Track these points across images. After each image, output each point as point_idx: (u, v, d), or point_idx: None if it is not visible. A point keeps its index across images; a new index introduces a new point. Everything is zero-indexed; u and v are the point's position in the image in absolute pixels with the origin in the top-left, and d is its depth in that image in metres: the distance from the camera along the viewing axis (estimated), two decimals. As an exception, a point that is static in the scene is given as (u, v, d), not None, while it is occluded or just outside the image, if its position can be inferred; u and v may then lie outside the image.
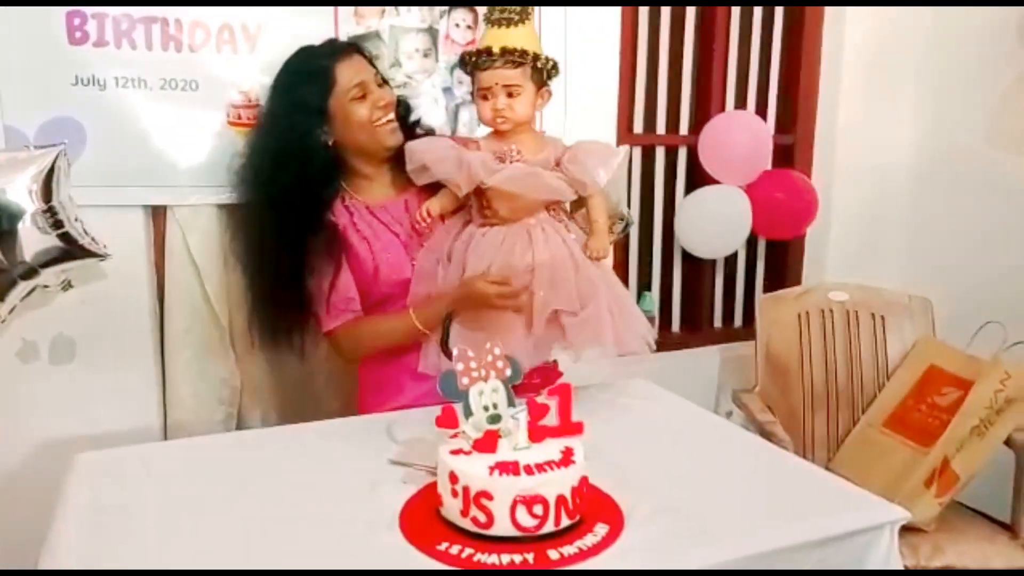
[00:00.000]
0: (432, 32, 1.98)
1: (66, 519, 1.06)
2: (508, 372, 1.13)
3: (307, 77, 1.49)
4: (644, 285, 2.57)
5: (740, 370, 2.43)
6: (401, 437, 1.33)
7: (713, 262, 2.59)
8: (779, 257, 2.69)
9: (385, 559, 0.95)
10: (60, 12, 1.65)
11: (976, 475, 1.80)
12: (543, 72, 1.43)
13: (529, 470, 0.98)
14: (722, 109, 2.51)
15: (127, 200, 1.77)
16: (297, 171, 1.45)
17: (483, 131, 1.57)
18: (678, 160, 2.53)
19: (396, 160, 1.54)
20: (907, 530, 1.73)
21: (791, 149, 2.61)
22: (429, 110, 2.00)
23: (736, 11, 2.50)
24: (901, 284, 2.39)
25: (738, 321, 2.69)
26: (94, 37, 1.68)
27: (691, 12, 2.46)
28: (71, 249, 1.63)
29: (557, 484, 0.98)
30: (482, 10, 1.95)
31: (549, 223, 1.44)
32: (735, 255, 2.63)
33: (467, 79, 1.99)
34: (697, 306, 2.62)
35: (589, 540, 0.99)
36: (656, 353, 2.45)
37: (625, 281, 2.51)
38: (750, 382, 2.16)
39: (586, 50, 2.16)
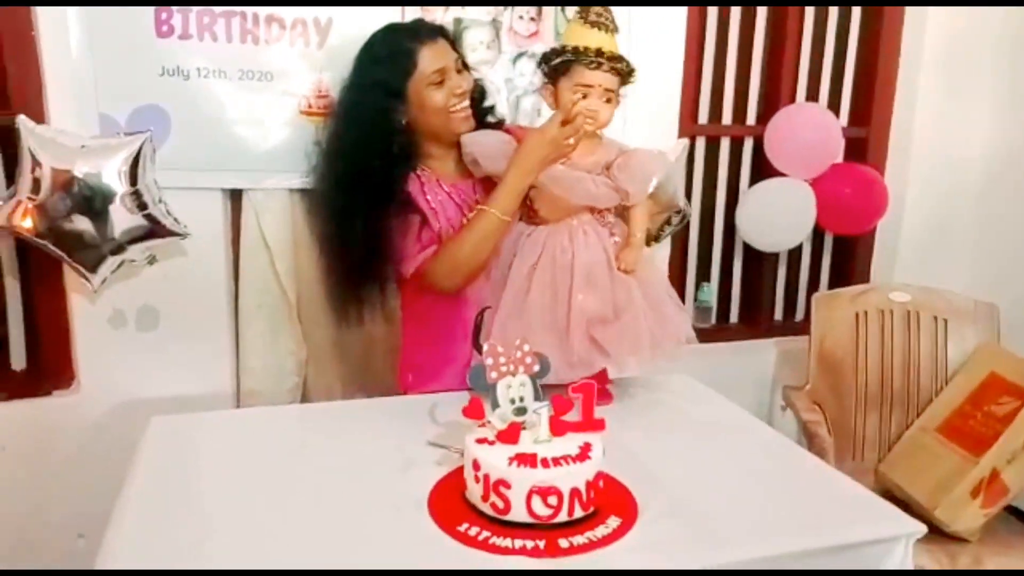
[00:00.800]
0: (495, 24, 2.04)
1: (137, 476, 1.19)
2: (536, 368, 1.19)
3: (389, 57, 1.49)
4: (703, 276, 2.57)
5: (797, 365, 2.42)
6: (442, 419, 1.41)
7: (776, 255, 2.57)
8: (846, 253, 2.64)
9: (410, 536, 1.03)
10: (149, 7, 1.78)
11: None
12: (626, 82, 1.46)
13: (546, 463, 1.04)
14: (792, 100, 2.47)
15: (206, 183, 1.91)
16: (372, 147, 1.47)
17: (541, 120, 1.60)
18: (743, 151, 2.50)
19: None
20: (949, 539, 1.74)
21: (864, 143, 2.55)
22: (491, 100, 2.07)
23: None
24: (970, 287, 2.32)
25: (799, 315, 2.67)
26: (179, 30, 1.81)
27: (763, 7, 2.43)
28: (155, 228, 1.78)
29: (572, 478, 1.04)
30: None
31: (591, 225, 1.46)
32: (800, 248, 2.60)
33: (528, 71, 2.06)
34: (757, 299, 2.60)
35: (600, 532, 1.05)
36: (712, 344, 2.52)
37: (684, 271, 2.53)
38: (804, 378, 2.16)
39: (651, 37, 2.17)
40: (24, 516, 1.97)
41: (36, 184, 1.67)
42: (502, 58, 2.06)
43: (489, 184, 1.50)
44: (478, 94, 1.58)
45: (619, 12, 2.04)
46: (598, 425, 1.14)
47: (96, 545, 1.04)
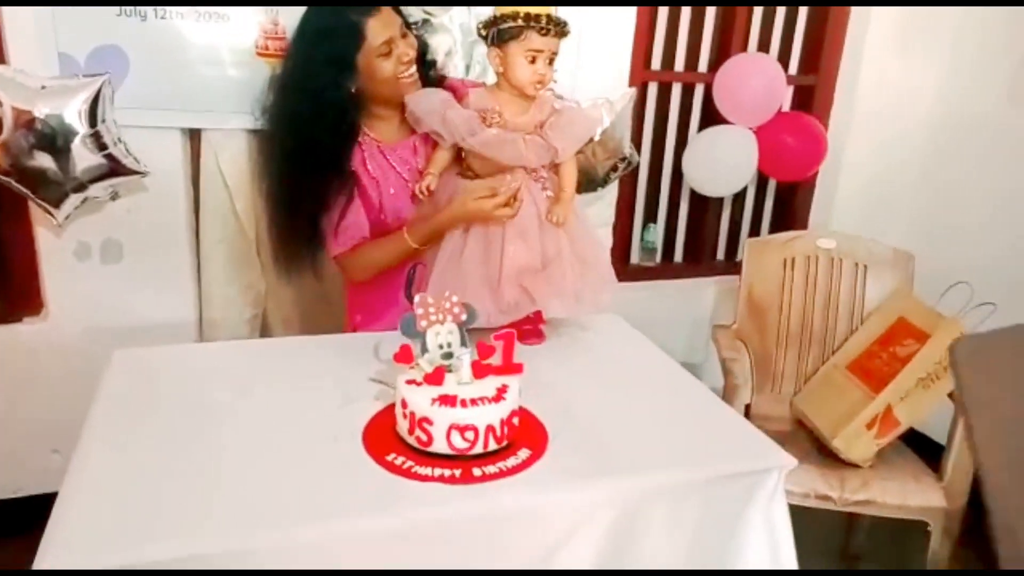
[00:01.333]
0: (452, -30, 2.07)
1: (98, 409, 1.32)
2: (464, 317, 1.33)
3: (337, 32, 1.51)
4: (650, 217, 2.70)
5: (734, 303, 2.58)
6: (384, 357, 1.55)
7: (721, 199, 2.69)
8: (788, 199, 2.77)
9: (343, 464, 1.18)
10: (105, -53, 1.81)
11: (921, 423, 1.96)
12: None
13: (464, 404, 1.18)
14: (744, 47, 2.55)
15: (165, 122, 1.98)
16: (321, 118, 1.52)
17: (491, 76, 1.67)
18: (694, 98, 2.59)
19: None
20: (846, 465, 1.94)
21: (812, 91, 2.65)
22: (445, 45, 2.13)
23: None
24: (902, 235, 2.47)
25: (740, 256, 2.81)
26: (135, -29, 1.84)
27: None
28: (115, 167, 1.86)
29: (487, 416, 1.19)
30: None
31: (525, 180, 1.56)
32: (744, 193, 2.72)
33: (483, 16, 2.11)
34: (701, 240, 2.74)
35: (511, 462, 1.20)
36: (657, 281, 2.66)
37: (631, 212, 2.65)
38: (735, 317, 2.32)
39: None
40: (2, 434, 2.11)
41: (-1, 123, 1.74)
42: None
43: (428, 140, 1.60)
44: (420, 51, 1.62)
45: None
46: (516, 369, 1.28)
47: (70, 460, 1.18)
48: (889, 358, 2.03)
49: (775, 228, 2.79)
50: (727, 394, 2.07)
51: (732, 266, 2.76)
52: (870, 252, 2.24)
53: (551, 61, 1.50)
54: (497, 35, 1.48)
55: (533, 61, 1.47)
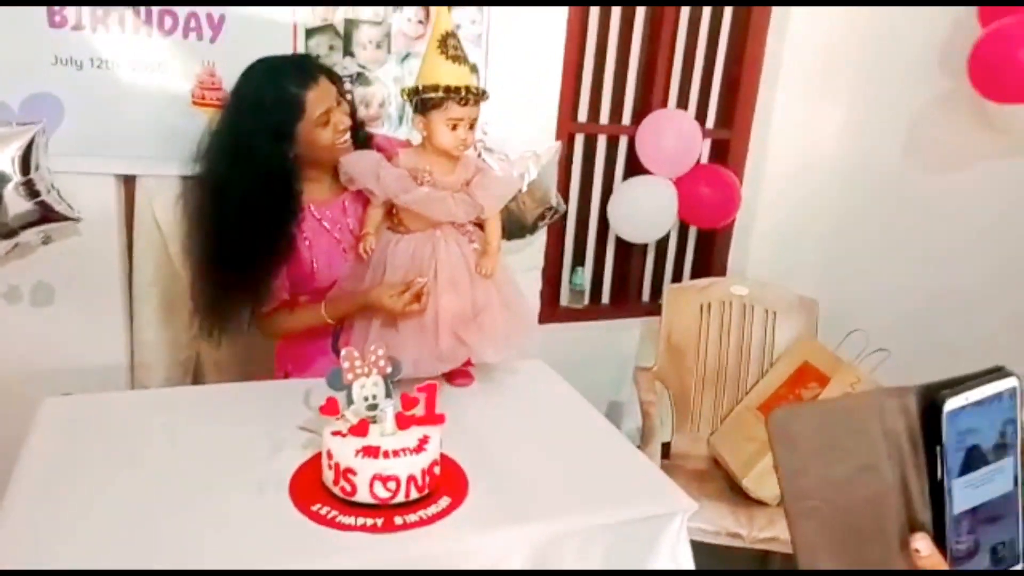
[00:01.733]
0: (384, 25, 2.16)
1: (26, 459, 1.34)
2: (389, 369, 1.40)
3: (277, 104, 1.57)
4: (578, 261, 2.82)
5: (656, 343, 2.71)
6: (314, 403, 1.60)
7: (645, 245, 2.83)
8: (708, 244, 2.92)
9: (268, 514, 1.23)
10: (41, -3, 1.84)
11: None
12: None
13: (387, 455, 1.25)
14: (664, 102, 2.70)
15: (100, 168, 2.00)
16: (262, 186, 1.57)
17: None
18: (618, 149, 2.73)
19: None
20: (754, 504, 2.06)
21: (727, 144, 2.81)
22: (379, 96, 2.22)
23: (686, 10, 2.66)
24: (811, 281, 2.65)
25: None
26: (72, 21, 1.87)
27: (640, 6, 2.62)
28: (48, 214, 1.88)
29: (409, 467, 1.26)
30: (430, 17, 2.15)
31: (452, 235, 1.65)
32: (667, 239, 2.87)
33: (415, 71, 2.21)
34: (626, 283, 2.87)
35: (432, 510, 1.27)
36: (585, 322, 2.77)
37: (560, 256, 2.76)
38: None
39: (532, 40, 2.35)
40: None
41: (-73, 170, 1.75)
42: (391, 58, 2.20)
43: (359, 195, 1.68)
44: (352, 115, 1.70)
45: (503, 14, 2.26)
46: (438, 419, 1.36)
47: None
48: (795, 400, 2.18)
49: (696, 271, 2.94)
50: (645, 435, 2.18)
51: (656, 307, 2.88)
52: (779, 298, 2.40)
53: (472, 126, 1.60)
54: (420, 104, 1.58)
55: (455, 128, 1.58)
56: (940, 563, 0.61)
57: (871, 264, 2.63)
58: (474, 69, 2.19)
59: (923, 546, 0.61)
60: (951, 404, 0.59)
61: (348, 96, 1.72)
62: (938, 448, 0.60)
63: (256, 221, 1.57)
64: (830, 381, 2.09)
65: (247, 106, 1.59)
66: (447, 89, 1.55)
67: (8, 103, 1.87)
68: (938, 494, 0.61)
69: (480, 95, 1.58)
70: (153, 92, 1.98)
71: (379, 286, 1.60)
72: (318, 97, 1.58)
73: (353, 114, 1.70)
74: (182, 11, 1.95)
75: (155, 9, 1.92)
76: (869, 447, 0.60)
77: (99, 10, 1.88)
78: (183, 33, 1.97)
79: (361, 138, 1.73)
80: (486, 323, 1.64)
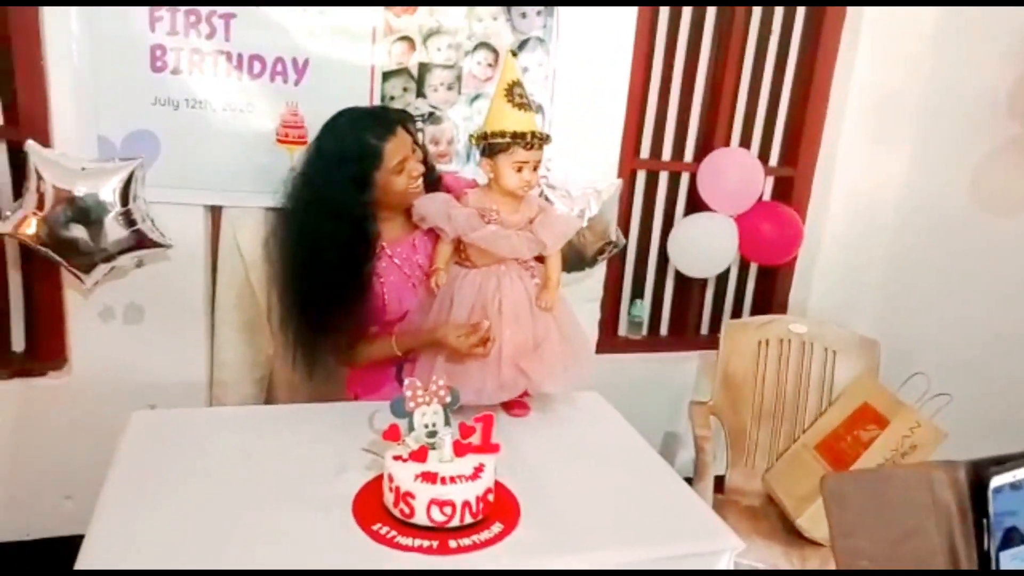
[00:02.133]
0: (456, 69, 2.28)
1: (116, 467, 1.46)
2: (448, 399, 1.48)
3: (358, 154, 1.67)
4: (637, 293, 2.86)
5: (714, 376, 2.73)
6: (379, 426, 1.69)
7: (705, 279, 2.85)
8: (769, 280, 2.93)
9: (331, 532, 1.32)
10: (145, 44, 2.01)
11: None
12: None
13: (444, 481, 1.33)
14: (728, 140, 2.74)
15: (190, 200, 2.16)
16: (342, 230, 1.67)
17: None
18: (679, 185, 2.77)
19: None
20: (809, 543, 2.06)
21: (791, 182, 2.83)
22: (448, 134, 2.33)
23: (750, 51, 2.70)
24: (873, 320, 2.63)
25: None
26: (171, 66, 2.04)
27: (705, 47, 2.67)
28: (142, 240, 2.04)
29: (464, 493, 1.33)
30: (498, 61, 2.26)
31: (516, 270, 1.73)
32: (727, 273, 2.88)
33: (483, 110, 2.31)
34: (685, 315, 2.90)
35: (484, 535, 1.34)
36: (642, 353, 2.81)
37: (619, 289, 2.81)
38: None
39: (596, 79, 2.43)
40: (20, 479, 2.25)
41: (40, 199, 1.93)
42: (461, 99, 2.31)
43: (428, 233, 1.78)
44: (427, 159, 1.81)
45: (569, 54, 2.34)
46: (493, 448, 1.43)
47: (81, 506, 1.31)
48: (853, 441, 2.17)
49: (756, 306, 2.95)
50: (698, 470, 2.20)
51: (714, 341, 2.90)
52: (839, 338, 2.39)
53: (535, 168, 1.69)
54: (488, 148, 1.67)
55: (520, 170, 1.66)
56: None
57: (934, 306, 2.59)
58: (539, 110, 2.29)
59: None
60: (997, 481, 0.62)
61: (420, 142, 1.82)
62: (985, 521, 0.63)
63: (335, 262, 1.68)
64: (889, 424, 2.07)
65: (329, 156, 1.70)
66: (513, 135, 1.64)
67: (112, 139, 2.05)
68: (985, 564, 0.64)
69: (544, 139, 1.67)
70: (241, 130, 2.13)
71: (447, 324, 1.68)
72: (395, 148, 1.69)
73: (425, 159, 1.80)
74: (270, 56, 2.10)
75: (246, 55, 2.08)
76: (918, 514, 0.64)
77: (196, 56, 2.05)
78: (270, 77, 2.12)
79: (432, 178, 1.83)
80: (545, 355, 1.72)
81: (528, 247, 1.72)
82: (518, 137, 1.64)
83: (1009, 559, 0.64)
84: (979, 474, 0.63)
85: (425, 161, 1.80)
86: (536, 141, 1.65)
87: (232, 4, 2.04)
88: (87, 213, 1.95)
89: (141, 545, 1.24)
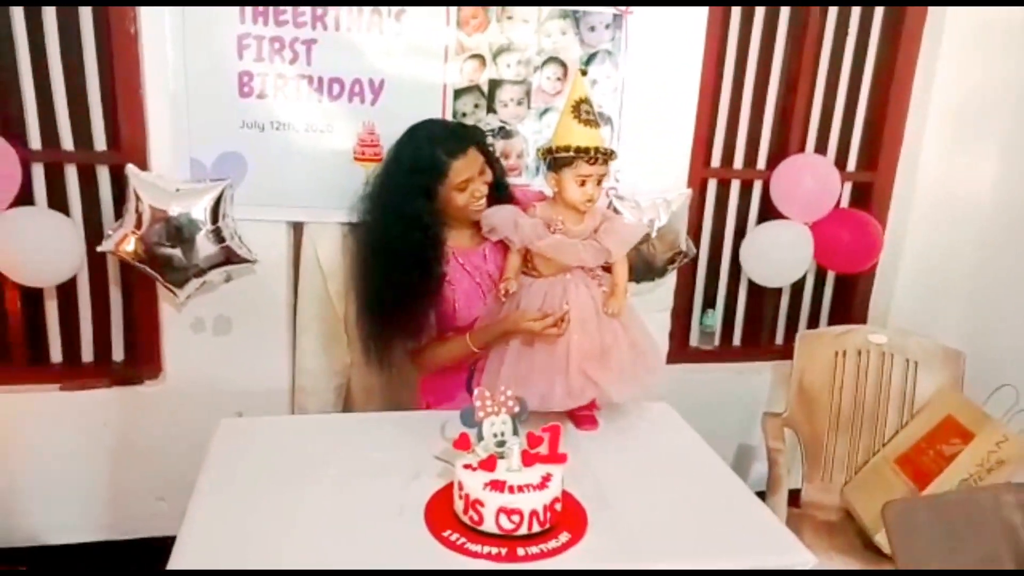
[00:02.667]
0: (525, 84, 2.32)
1: (206, 471, 1.56)
2: (516, 409, 1.52)
3: (428, 166, 1.76)
4: (709, 302, 2.83)
5: (787, 387, 2.67)
6: (450, 435, 1.74)
7: (779, 287, 2.80)
8: (848, 289, 2.85)
9: (404, 537, 1.37)
10: (234, 70, 2.14)
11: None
12: None
13: (512, 490, 1.36)
14: (802, 146, 2.69)
15: (275, 216, 2.27)
16: (410, 233, 1.76)
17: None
18: (752, 192, 2.73)
19: None
20: (887, 559, 2.00)
21: (870, 187, 2.75)
22: (518, 148, 2.37)
23: (825, 53, 2.64)
24: (958, 330, 2.53)
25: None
26: (257, 91, 2.16)
27: (779, 51, 2.62)
28: (230, 256, 2.16)
29: (532, 502, 1.36)
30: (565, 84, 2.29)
31: (582, 278, 1.76)
32: (803, 281, 2.83)
33: (552, 124, 2.34)
34: (759, 325, 2.85)
35: (551, 544, 1.36)
36: (715, 364, 2.79)
37: (691, 299, 2.79)
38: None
39: (666, 89, 2.43)
40: (118, 481, 2.41)
41: (139, 219, 2.07)
42: (530, 113, 2.35)
43: (498, 245, 1.82)
44: (499, 175, 1.87)
45: (637, 66, 2.35)
46: (560, 459, 1.46)
47: (174, 508, 1.41)
48: (936, 455, 2.10)
49: (834, 316, 2.88)
50: (771, 483, 2.16)
51: (790, 351, 2.85)
52: (921, 348, 2.32)
53: (599, 183, 1.71)
54: (553, 162, 1.71)
55: (583, 184, 1.69)
56: None
57: (1021, 316, 2.47)
58: (608, 122, 2.31)
59: None
60: None
61: (495, 159, 1.88)
62: None
63: (404, 264, 1.76)
64: (975, 438, 1.99)
65: (403, 163, 1.81)
66: (577, 149, 1.67)
67: (203, 161, 2.18)
68: None
69: (608, 155, 1.70)
70: (321, 150, 2.23)
71: (517, 311, 1.73)
72: (463, 166, 1.76)
73: (496, 174, 1.86)
74: (348, 78, 2.19)
75: (326, 77, 2.18)
76: (988, 539, 0.65)
77: (280, 80, 2.16)
78: (348, 97, 2.21)
79: (502, 190, 1.88)
80: (613, 362, 1.74)
81: (593, 255, 1.74)
82: (582, 152, 1.67)
83: None
84: None
85: (498, 176, 1.85)
86: (600, 156, 1.68)
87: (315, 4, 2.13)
88: (180, 231, 2.08)
89: (228, 546, 1.32)
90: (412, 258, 1.77)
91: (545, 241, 1.73)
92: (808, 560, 1.40)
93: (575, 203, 1.72)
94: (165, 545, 1.31)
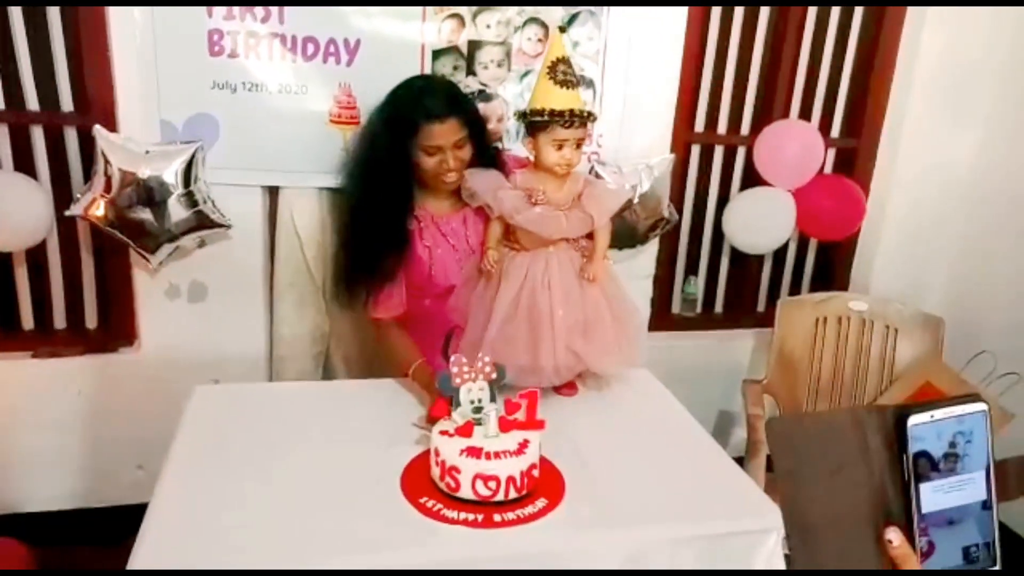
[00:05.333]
0: (506, 45, 2.27)
1: (181, 438, 1.53)
2: (494, 375, 1.50)
3: (401, 117, 1.74)
4: (691, 270, 2.82)
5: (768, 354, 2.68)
6: (427, 403, 1.73)
7: (762, 255, 2.79)
8: (830, 256, 2.85)
9: (380, 503, 1.36)
10: (203, 29, 2.07)
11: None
12: None
13: (488, 456, 1.35)
14: (787, 111, 2.66)
15: (248, 181, 2.22)
16: (384, 182, 1.76)
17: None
18: (735, 159, 2.71)
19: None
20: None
21: (854, 153, 2.73)
22: (498, 111, 2.33)
23: (811, 19, 2.60)
24: (939, 298, 2.53)
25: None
26: (228, 50, 2.10)
27: (763, 15, 2.58)
28: (203, 221, 2.11)
29: (508, 468, 1.35)
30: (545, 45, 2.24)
31: (565, 251, 1.71)
32: (785, 249, 2.82)
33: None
34: (741, 293, 2.85)
35: (528, 510, 1.35)
36: (697, 331, 2.78)
37: (672, 266, 2.78)
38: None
39: (649, 52, 2.39)
40: (94, 449, 2.39)
41: (108, 182, 2.01)
42: (511, 75, 2.30)
43: (480, 211, 1.78)
44: (486, 141, 1.84)
45: (620, 29, 2.31)
46: (538, 425, 1.44)
47: (152, 475, 1.39)
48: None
49: (816, 283, 2.87)
50: (750, 448, 2.17)
51: (771, 318, 2.85)
52: (901, 315, 2.32)
53: (578, 146, 1.67)
54: (530, 126, 1.67)
55: (560, 148, 1.65)
56: (910, 553, 0.71)
57: (1003, 284, 2.48)
58: (590, 85, 2.26)
59: (895, 537, 0.71)
60: (915, 419, 0.70)
61: (482, 129, 1.83)
62: (904, 456, 0.71)
63: (376, 211, 1.75)
64: (952, 404, 2.00)
65: (384, 111, 1.79)
66: (552, 112, 1.63)
67: (174, 123, 2.12)
68: (907, 493, 0.71)
69: (584, 117, 1.65)
70: (295, 112, 2.17)
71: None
72: (437, 132, 1.71)
73: (484, 137, 1.83)
74: (323, 38, 2.13)
75: (300, 36, 2.12)
76: (851, 452, 0.72)
77: (252, 39, 2.09)
78: (323, 58, 2.15)
79: (489, 155, 1.84)
80: (597, 336, 1.71)
81: (576, 226, 1.70)
82: (556, 115, 1.62)
83: (930, 490, 0.71)
84: (902, 416, 0.71)
85: (484, 138, 1.81)
86: (575, 119, 1.64)
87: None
88: (151, 195, 2.03)
89: (199, 515, 1.30)
90: (380, 204, 1.75)
91: (524, 215, 1.68)
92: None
93: (551, 167, 1.67)
94: (144, 512, 1.30)
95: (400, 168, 1.75)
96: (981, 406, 0.72)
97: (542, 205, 1.69)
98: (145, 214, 2.05)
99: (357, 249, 1.80)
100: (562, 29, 2.13)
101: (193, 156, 2.05)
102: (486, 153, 1.84)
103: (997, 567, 0.74)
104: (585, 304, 1.72)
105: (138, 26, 2.04)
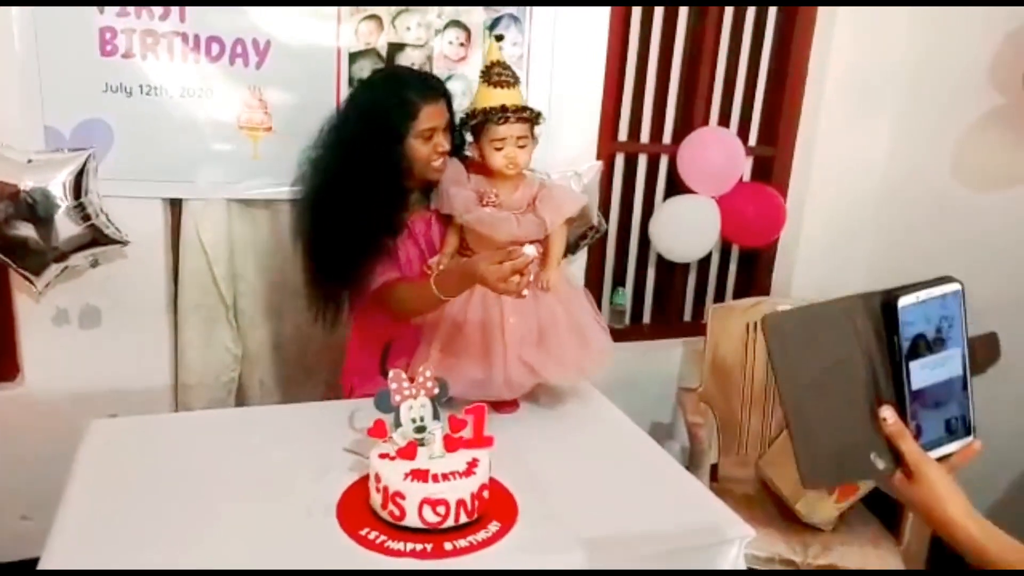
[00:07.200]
0: (427, 49, 2.17)
1: (75, 481, 1.34)
2: (436, 391, 1.38)
3: (396, 106, 1.62)
4: (619, 281, 2.78)
5: (700, 363, 2.65)
6: (359, 425, 1.59)
7: (687, 264, 2.78)
8: (752, 263, 2.87)
9: (316, 539, 1.21)
10: (93, 26, 1.88)
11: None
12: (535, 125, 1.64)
13: (436, 478, 1.23)
14: (706, 120, 2.67)
15: (147, 193, 2.03)
16: (376, 183, 1.61)
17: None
18: (659, 167, 2.70)
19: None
20: (807, 529, 2.00)
21: (771, 161, 2.77)
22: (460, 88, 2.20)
23: (727, 28, 2.63)
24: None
25: (707, 318, 2.90)
26: (123, 49, 1.91)
27: (681, 25, 2.59)
28: (97, 237, 1.91)
29: (458, 490, 1.23)
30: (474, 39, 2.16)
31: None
32: (709, 257, 2.82)
33: (455, 91, 2.19)
34: (668, 303, 2.83)
35: (481, 535, 1.24)
36: (626, 343, 2.73)
37: (601, 276, 2.73)
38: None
39: (572, 60, 2.35)
40: (-29, 498, 2.10)
41: (-17, 195, 1.78)
42: (432, 80, 2.20)
43: (441, 217, 1.69)
44: (458, 139, 1.73)
45: (543, 35, 2.26)
46: (486, 442, 1.34)
47: (40, 527, 1.20)
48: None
49: (739, 290, 2.89)
50: (694, 458, 2.12)
51: (699, 327, 2.84)
52: (828, 318, 2.34)
53: (520, 145, 1.59)
54: (473, 131, 1.61)
55: (500, 148, 1.57)
56: (903, 429, 0.76)
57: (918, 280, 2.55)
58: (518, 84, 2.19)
59: (889, 414, 0.76)
60: (904, 301, 0.74)
61: (455, 122, 1.72)
62: (895, 337, 0.75)
63: (368, 212, 1.60)
64: (885, 403, 2.02)
65: (364, 106, 1.67)
66: (484, 111, 1.57)
67: (60, 130, 1.91)
68: (899, 375, 0.75)
69: (520, 111, 1.58)
70: (200, 117, 2.00)
71: (480, 255, 1.54)
72: (432, 113, 1.63)
73: (455, 142, 1.72)
74: (229, 38, 1.98)
75: (203, 36, 1.95)
76: (844, 340, 0.75)
77: (149, 38, 1.92)
78: (230, 59, 1.99)
79: (461, 154, 1.75)
80: (551, 345, 1.62)
81: (528, 229, 1.61)
82: (488, 112, 1.57)
83: (918, 368, 0.76)
84: (889, 299, 0.75)
85: (454, 141, 1.72)
86: (511, 115, 1.56)
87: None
88: (35, 209, 1.81)
89: (103, 560, 1.12)
90: (373, 204, 1.61)
91: (473, 214, 1.60)
92: (747, 533, 1.35)
93: (498, 169, 1.60)
94: (33, 569, 1.12)
95: (394, 154, 1.62)
96: (955, 286, 0.77)
97: (493, 207, 1.61)
98: (28, 230, 1.83)
99: (352, 239, 1.63)
100: (499, 38, 2.09)
101: (84, 166, 1.85)
102: (458, 151, 1.75)
103: (971, 437, 0.80)
104: (539, 310, 1.63)
105: (15, 20, 1.83)
